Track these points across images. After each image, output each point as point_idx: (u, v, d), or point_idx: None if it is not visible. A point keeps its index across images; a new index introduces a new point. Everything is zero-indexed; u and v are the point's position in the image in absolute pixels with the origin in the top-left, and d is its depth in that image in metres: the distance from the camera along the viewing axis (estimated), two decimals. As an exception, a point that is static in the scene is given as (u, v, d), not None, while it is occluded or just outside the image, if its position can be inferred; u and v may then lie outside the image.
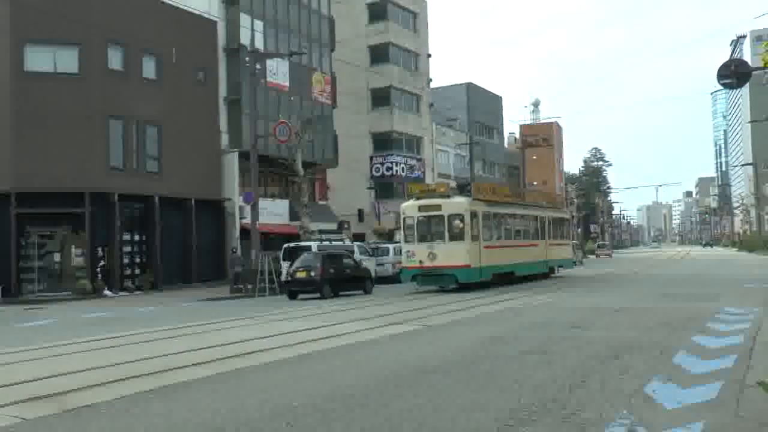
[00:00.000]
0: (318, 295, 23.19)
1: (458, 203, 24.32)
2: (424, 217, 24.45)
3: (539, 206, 31.73)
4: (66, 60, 29.29)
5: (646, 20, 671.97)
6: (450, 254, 23.51)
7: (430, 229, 24.38)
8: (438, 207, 24.17)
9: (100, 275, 28.40)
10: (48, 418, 6.61)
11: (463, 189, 26.41)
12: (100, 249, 28.88)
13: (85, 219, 28.43)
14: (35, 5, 28.05)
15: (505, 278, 26.23)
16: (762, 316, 13.37)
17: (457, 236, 23.81)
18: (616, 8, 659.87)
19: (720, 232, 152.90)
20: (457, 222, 23.96)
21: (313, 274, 23.47)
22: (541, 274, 30.19)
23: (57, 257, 29.03)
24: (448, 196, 24.74)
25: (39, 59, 28.98)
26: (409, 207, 25.00)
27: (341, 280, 24.40)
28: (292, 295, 23.86)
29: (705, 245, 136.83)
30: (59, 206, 28.11)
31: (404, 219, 25.05)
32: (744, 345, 9.72)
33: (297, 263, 24.23)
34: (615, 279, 30.00)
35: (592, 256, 72.68)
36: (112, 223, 29.42)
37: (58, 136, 28.51)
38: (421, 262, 23.91)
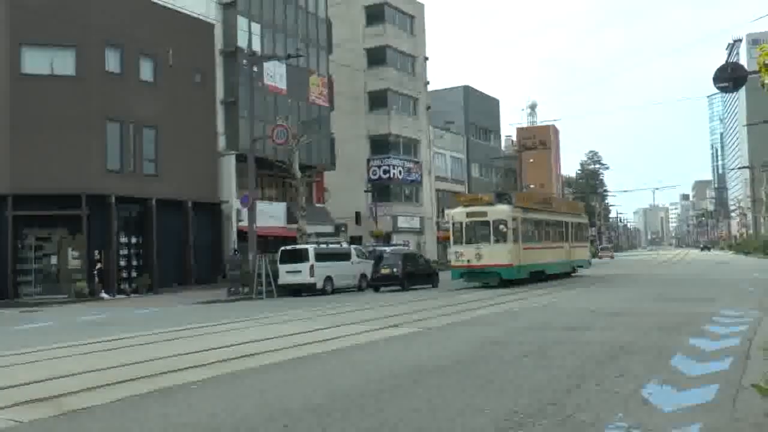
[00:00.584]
0: (399, 287, 27.80)
1: (501, 210, 27.56)
2: (472, 222, 27.64)
3: (563, 212, 35.10)
4: (63, 62, 29.30)
5: (644, 23, 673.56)
6: (494, 255, 26.86)
7: (476, 232, 27.54)
8: (484, 213, 27.54)
9: (97, 278, 28.37)
10: (44, 420, 6.60)
11: (501, 197, 29.20)
12: (97, 251, 28.86)
13: (82, 221, 28.41)
14: (32, 7, 28.04)
15: (536, 276, 29.16)
16: (759, 318, 13.39)
17: (500, 239, 27.12)
18: (613, 11, 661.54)
19: (717, 235, 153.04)
20: (500, 227, 27.23)
21: (395, 270, 28.00)
22: (565, 273, 33.23)
23: (54, 260, 29.02)
24: (492, 204, 28.04)
25: (36, 61, 28.99)
26: (458, 213, 28.19)
27: (416, 275, 28.92)
28: (377, 289, 28.35)
29: (703, 248, 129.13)
30: (56, 208, 28.10)
31: (453, 224, 28.35)
32: (741, 347, 9.74)
33: (383, 262, 28.69)
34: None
35: (594, 259, 72.78)
36: (109, 226, 29.41)
37: (56, 138, 28.50)
38: (468, 261, 27.20)
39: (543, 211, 31.66)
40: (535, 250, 29.51)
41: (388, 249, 33.94)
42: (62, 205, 28.18)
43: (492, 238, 27.12)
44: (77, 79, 29.40)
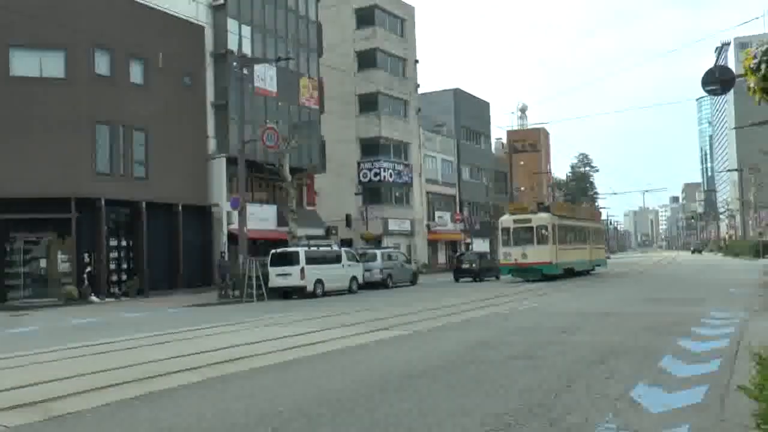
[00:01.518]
0: (474, 279, 36.63)
1: (543, 217, 33.30)
2: (518, 227, 33.37)
3: (586, 219, 41.35)
4: (52, 64, 29.16)
5: (634, 27, 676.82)
6: (537, 254, 32.50)
7: (521, 236, 33.11)
8: (528, 220, 33.22)
9: (86, 281, 28.23)
10: (32, 425, 6.57)
11: (542, 207, 35.17)
12: (86, 255, 28.72)
13: (72, 225, 28.27)
14: (21, 9, 27.89)
15: (567, 273, 34.77)
16: (747, 320, 13.47)
17: (542, 241, 32.70)
18: (604, 15, 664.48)
19: (706, 237, 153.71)
20: (542, 231, 32.90)
21: (473, 265, 37.20)
22: (586, 271, 39.06)
23: (43, 263, 28.84)
24: (535, 212, 33.82)
25: (25, 64, 28.84)
26: (506, 220, 34.34)
27: (485, 270, 37.28)
28: (457, 279, 37.12)
29: (694, 251, 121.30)
30: (45, 212, 27.93)
31: (502, 229, 34.45)
32: (729, 349, 9.79)
33: (463, 259, 38.86)
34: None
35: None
36: (98, 229, 29.27)
37: (45, 140, 28.35)
38: (516, 260, 33.06)
39: (571, 218, 37.72)
40: (567, 251, 35.10)
41: (378, 251, 33.97)
42: (51, 208, 28.00)
43: (535, 240, 32.71)
44: (66, 82, 29.25)
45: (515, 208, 36.95)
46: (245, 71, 30.36)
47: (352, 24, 52.70)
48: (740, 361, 8.51)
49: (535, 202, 39.86)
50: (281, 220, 36.91)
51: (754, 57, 5.12)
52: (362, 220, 48.44)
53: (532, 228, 32.97)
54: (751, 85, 5.22)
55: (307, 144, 40.06)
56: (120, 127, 30.84)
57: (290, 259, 27.18)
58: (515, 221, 33.68)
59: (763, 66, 5.01)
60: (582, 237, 38.86)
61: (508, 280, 34.13)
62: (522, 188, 76.09)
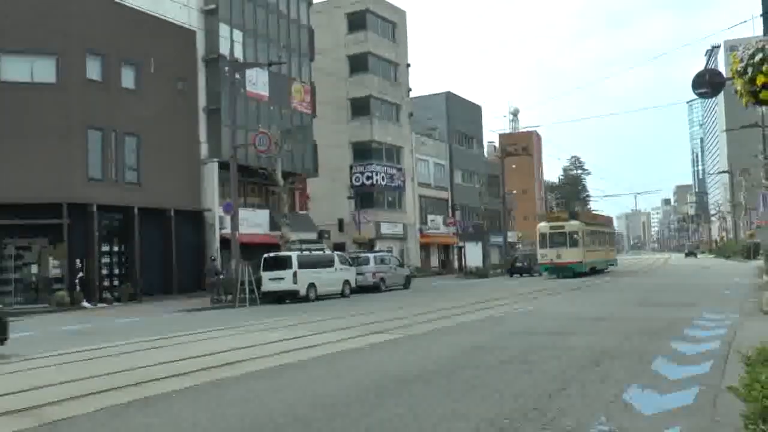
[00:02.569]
0: (529, 274, 44.31)
1: (574, 224, 40.12)
2: (553, 232, 39.99)
3: (603, 225, 49.15)
4: (44, 69, 29.08)
5: (625, 31, 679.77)
6: (570, 255, 39.01)
7: (555, 240, 39.67)
8: (562, 227, 39.93)
9: (78, 287, 28.11)
10: (25, 431, 6.54)
11: (573, 215, 42.46)
12: (78, 260, 28.60)
13: (64, 230, 28.18)
14: (12, 14, 27.85)
15: (592, 271, 41.61)
16: (738, 322, 13.54)
17: (573, 244, 39.22)
18: (595, 19, 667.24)
19: (698, 239, 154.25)
20: (574, 235, 39.44)
21: (525, 264, 46.23)
22: (603, 269, 45.41)
23: (34, 269, 28.73)
24: (567, 220, 40.65)
25: (16, 69, 28.76)
26: (543, 226, 41.27)
27: (531, 267, 44.94)
28: (512, 275, 45.78)
29: (688, 254, 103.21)
30: (37, 217, 27.84)
31: (540, 234, 40.91)
32: (720, 351, 9.85)
33: (518, 258, 49.09)
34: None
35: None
36: (90, 234, 29.19)
37: (36, 146, 28.27)
38: (551, 260, 39.52)
39: (594, 225, 44.82)
40: (592, 252, 41.87)
41: (371, 255, 33.98)
42: (43, 214, 27.91)
43: (568, 243, 39.16)
44: (58, 87, 29.19)
45: (551, 216, 43.96)
46: (237, 76, 30.37)
47: (343, 28, 52.78)
48: (731, 363, 8.56)
49: (567, 211, 46.50)
50: (274, 225, 36.88)
51: (741, 60, 5.17)
52: (355, 224, 48.44)
53: (565, 233, 39.49)
54: (739, 88, 5.27)
55: (299, 148, 40.07)
56: (112, 132, 30.78)
57: (283, 264, 27.16)
58: (551, 227, 40.37)
59: (749, 70, 5.06)
60: (601, 240, 46.00)
61: (545, 276, 40.29)
62: (514, 192, 76.19)
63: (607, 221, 54.61)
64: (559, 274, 38.85)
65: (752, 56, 5.12)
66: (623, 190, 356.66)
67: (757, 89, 5.11)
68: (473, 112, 72.04)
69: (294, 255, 27.56)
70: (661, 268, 54.57)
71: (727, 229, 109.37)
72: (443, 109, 65.44)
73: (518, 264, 47.02)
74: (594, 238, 43.41)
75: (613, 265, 49.90)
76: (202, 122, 36.17)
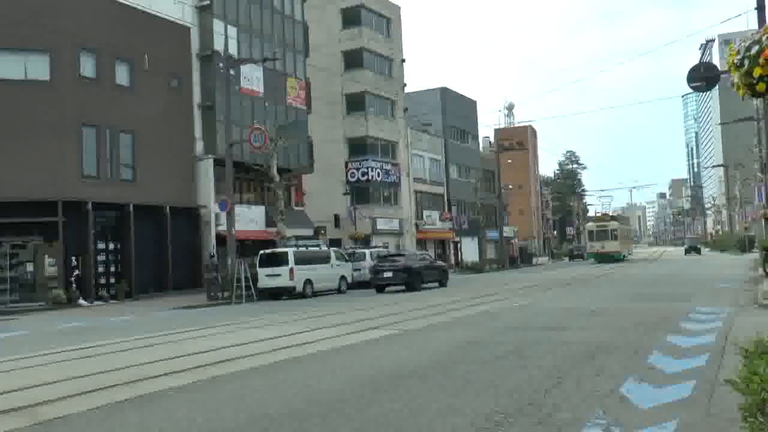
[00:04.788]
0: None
1: (613, 224, 56.70)
2: (598, 230, 56.77)
3: (627, 223, 67.76)
4: (37, 67, 28.95)
5: (621, 26, 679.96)
6: (611, 246, 55.53)
7: (600, 235, 56.45)
8: (605, 226, 56.29)
9: (74, 285, 28.06)
10: (19, 430, 6.52)
11: (612, 217, 59.61)
12: (73, 258, 28.54)
13: (59, 228, 28.10)
14: (4, 11, 27.70)
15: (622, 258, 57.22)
16: (733, 315, 13.56)
17: (613, 238, 55.76)
18: (590, 14, 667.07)
19: (693, 233, 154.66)
20: (614, 231, 55.88)
21: (580, 252, 70.93)
22: (625, 257, 59.73)
23: (30, 267, 28.67)
24: (609, 221, 57.29)
25: (9, 66, 28.63)
26: (591, 225, 59.31)
27: (581, 254, 70.19)
28: (571, 259, 69.21)
29: (688, 250, 77.39)
30: (31, 215, 27.75)
31: (588, 231, 59.43)
32: (716, 344, 9.86)
33: (574, 249, 75.20)
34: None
35: (566, 259, 74.51)
36: (85, 232, 29.11)
37: (30, 144, 28.16)
38: (597, 250, 56.25)
39: (623, 224, 61.62)
40: (623, 244, 58.71)
41: (367, 252, 33.95)
42: (37, 212, 27.82)
43: (610, 237, 55.83)
44: (51, 84, 29.07)
45: (596, 218, 61.82)
46: (232, 72, 30.30)
47: (338, 24, 52.63)
48: (727, 356, 8.56)
49: (608, 214, 62.58)
50: (269, 221, 36.85)
51: (738, 53, 5.14)
52: (351, 219, 48.38)
53: (607, 230, 55.89)
54: (735, 80, 5.24)
55: (294, 144, 40.00)
56: (106, 129, 30.69)
57: (279, 260, 27.14)
58: (597, 226, 57.36)
59: (746, 62, 5.03)
60: (627, 235, 65.92)
61: (590, 262, 55.30)
62: (510, 186, 76.24)
63: (626, 219, 73.66)
64: (603, 259, 54.38)
65: (749, 48, 5.09)
66: (618, 185, 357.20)
67: (754, 81, 5.08)
68: (468, 107, 71.97)
69: (290, 251, 27.54)
70: (662, 257, 66.92)
71: (723, 222, 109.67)
72: (438, 105, 65.35)
73: (575, 253, 72.72)
74: (624, 233, 60.00)
75: (631, 254, 67.13)
76: (196, 119, 36.08)
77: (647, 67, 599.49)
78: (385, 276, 28.00)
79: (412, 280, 27.72)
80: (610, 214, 65.41)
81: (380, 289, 28.28)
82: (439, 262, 34.65)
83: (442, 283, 30.26)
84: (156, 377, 9.08)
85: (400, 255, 30.86)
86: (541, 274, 39.93)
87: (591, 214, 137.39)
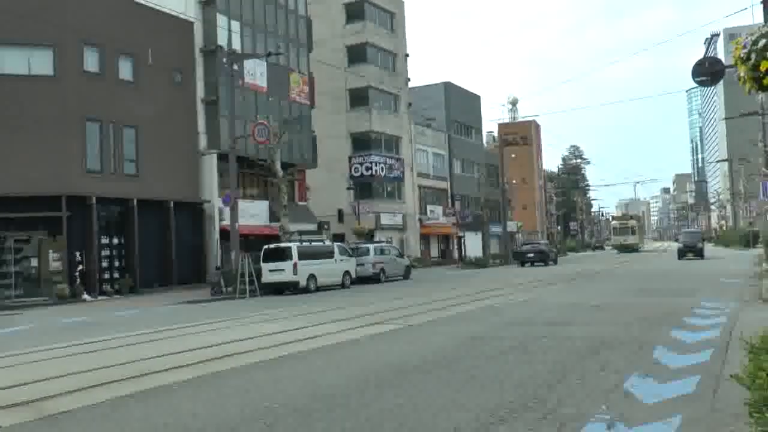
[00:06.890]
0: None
1: (632, 222, 70.91)
2: (620, 227, 71.25)
3: (641, 221, 76.33)
4: (41, 62, 28.99)
5: (625, 20, 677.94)
6: (631, 240, 68.70)
7: (621, 231, 70.30)
8: (626, 223, 70.98)
9: (78, 279, 28.12)
10: (24, 425, 6.53)
11: (632, 217, 74.69)
12: (77, 253, 28.60)
13: (63, 223, 28.15)
14: (9, 7, 27.71)
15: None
16: (738, 310, 13.53)
17: (633, 233, 69.35)
18: (594, 9, 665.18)
19: (697, 227, 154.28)
20: (633, 228, 69.34)
21: (597, 245, 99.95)
22: (638, 250, 70.01)
23: (34, 262, 28.70)
24: (629, 219, 72.55)
25: (13, 61, 28.67)
26: (615, 222, 75.41)
27: (601, 247, 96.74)
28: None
29: (684, 252, 79.09)
30: (35, 210, 27.80)
31: (612, 227, 76.30)
32: (720, 339, 9.83)
33: (609, 242, 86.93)
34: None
35: (572, 253, 74.62)
36: (89, 227, 29.17)
37: (34, 139, 28.21)
38: (620, 243, 68.78)
39: (638, 222, 73.23)
40: (639, 238, 71.68)
41: (370, 246, 33.96)
42: (42, 206, 27.87)
43: (630, 233, 68.70)
44: (55, 79, 29.10)
45: (617, 217, 78.38)
46: (235, 67, 30.26)
47: (341, 19, 52.60)
48: (732, 351, 8.55)
49: (628, 214, 79.11)
50: (273, 216, 36.86)
51: (744, 47, 5.11)
52: (354, 214, 48.39)
53: (628, 227, 69.49)
54: (742, 74, 5.21)
55: (298, 139, 39.99)
56: (110, 124, 30.72)
57: (283, 255, 27.13)
58: (618, 223, 72.30)
59: (752, 55, 5.01)
60: (641, 231, 77.86)
61: (616, 253, 65.66)
62: (514, 181, 76.13)
63: (641, 219, 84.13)
64: (624, 250, 66.06)
65: (755, 42, 5.06)
66: (622, 179, 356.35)
67: (761, 75, 5.05)
68: (472, 101, 71.88)
69: (294, 246, 27.53)
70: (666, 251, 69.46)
71: (727, 217, 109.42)
72: (442, 99, 65.29)
73: (596, 245, 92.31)
74: (640, 229, 74.18)
75: (643, 246, 78.28)
76: (200, 114, 36.08)
77: (651, 62, 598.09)
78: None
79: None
80: (629, 214, 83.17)
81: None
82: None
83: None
84: (160, 372, 9.09)
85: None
86: (546, 269, 39.88)
87: (595, 209, 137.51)
